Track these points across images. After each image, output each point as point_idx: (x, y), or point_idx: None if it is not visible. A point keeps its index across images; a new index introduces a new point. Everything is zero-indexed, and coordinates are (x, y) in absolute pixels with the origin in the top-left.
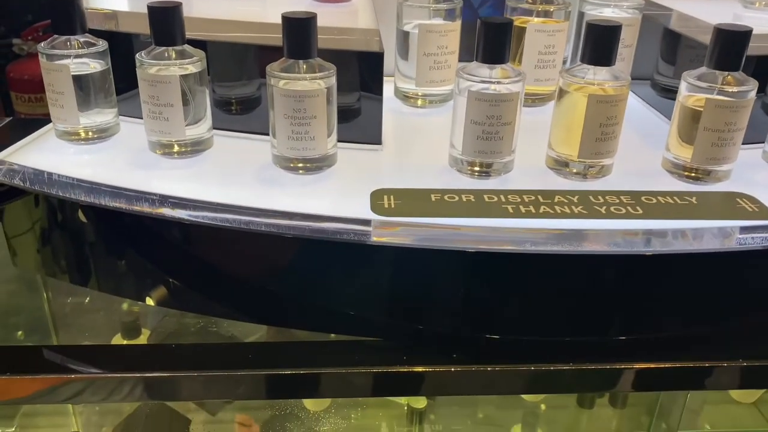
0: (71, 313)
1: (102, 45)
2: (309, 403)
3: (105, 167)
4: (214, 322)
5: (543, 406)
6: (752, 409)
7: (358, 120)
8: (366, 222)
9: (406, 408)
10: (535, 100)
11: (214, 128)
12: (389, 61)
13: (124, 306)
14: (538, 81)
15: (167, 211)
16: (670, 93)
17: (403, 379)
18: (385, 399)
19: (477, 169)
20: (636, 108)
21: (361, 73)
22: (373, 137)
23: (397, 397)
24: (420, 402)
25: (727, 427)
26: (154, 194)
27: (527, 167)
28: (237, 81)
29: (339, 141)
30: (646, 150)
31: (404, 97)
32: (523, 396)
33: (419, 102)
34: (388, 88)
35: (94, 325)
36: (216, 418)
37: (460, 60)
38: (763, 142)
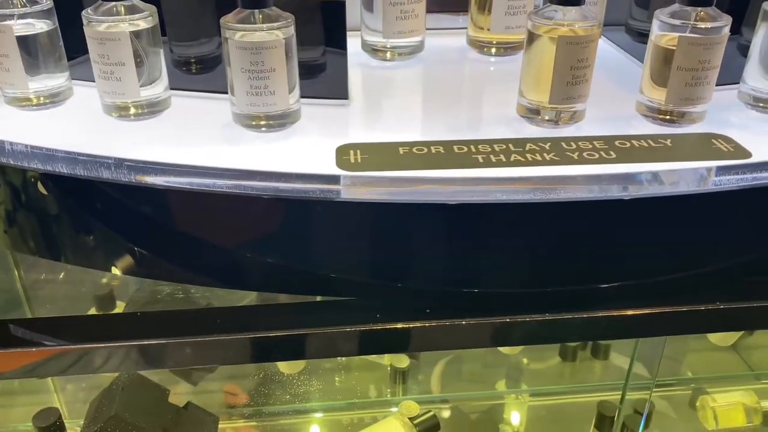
0: (42, 290)
1: (47, 3)
2: (283, 367)
3: (59, 133)
4: (180, 288)
5: (525, 360)
6: (733, 354)
7: (322, 75)
8: (332, 178)
9: (389, 369)
10: (506, 48)
11: (175, 89)
12: (355, 15)
13: (102, 280)
14: (509, 29)
15: (125, 176)
16: (644, 38)
17: (382, 336)
18: (369, 361)
19: None
20: (610, 54)
21: (322, 25)
22: (339, 92)
23: (380, 359)
24: (402, 362)
25: (709, 373)
26: (110, 158)
27: (499, 117)
28: (195, 39)
29: (304, 97)
30: (620, 95)
31: (372, 50)
32: (501, 349)
33: (388, 54)
34: (356, 43)
35: (68, 301)
36: (200, 388)
37: (429, 10)
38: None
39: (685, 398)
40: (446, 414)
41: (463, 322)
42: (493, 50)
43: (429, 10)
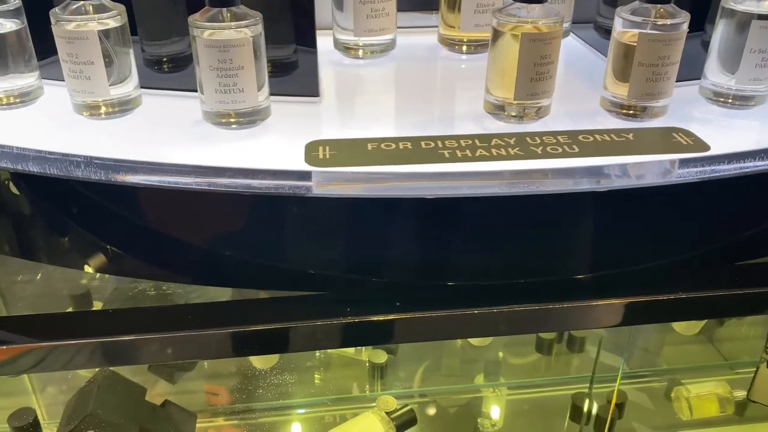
0: (17, 290)
1: (15, 2)
2: (256, 361)
3: (29, 133)
4: (157, 286)
5: (501, 354)
6: (707, 345)
7: (293, 72)
8: (299, 174)
9: (367, 364)
10: (477, 46)
11: (147, 88)
12: (328, 14)
13: (81, 280)
14: (478, 26)
15: (95, 174)
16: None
17: (356, 329)
18: (347, 357)
19: None
20: (579, 51)
21: (292, 23)
22: (310, 89)
23: (358, 355)
24: (380, 357)
25: (684, 364)
26: (79, 157)
27: (466, 113)
28: (166, 38)
29: (275, 95)
30: (587, 91)
31: (345, 48)
32: (471, 341)
33: (360, 53)
34: (328, 41)
35: (45, 301)
36: (181, 388)
37: (400, 9)
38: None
39: (660, 389)
40: (425, 408)
41: (432, 315)
42: (464, 48)
43: (401, 9)
